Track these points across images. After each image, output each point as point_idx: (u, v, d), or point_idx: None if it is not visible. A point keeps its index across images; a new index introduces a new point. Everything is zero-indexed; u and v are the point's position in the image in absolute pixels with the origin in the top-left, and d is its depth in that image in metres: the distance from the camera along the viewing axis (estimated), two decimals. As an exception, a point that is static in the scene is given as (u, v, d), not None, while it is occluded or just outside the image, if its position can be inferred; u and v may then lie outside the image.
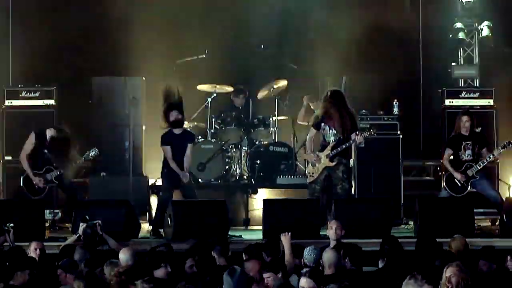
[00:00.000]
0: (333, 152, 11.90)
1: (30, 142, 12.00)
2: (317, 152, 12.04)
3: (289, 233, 9.15)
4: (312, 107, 14.56)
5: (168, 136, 12.23)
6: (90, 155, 12.16)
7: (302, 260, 8.83)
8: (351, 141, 11.92)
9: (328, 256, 8.40)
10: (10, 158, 12.75)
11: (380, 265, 8.77)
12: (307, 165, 12.34)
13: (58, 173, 11.97)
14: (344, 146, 11.90)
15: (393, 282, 7.75)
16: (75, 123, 13.85)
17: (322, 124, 12.00)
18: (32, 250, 9.22)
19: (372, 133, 11.96)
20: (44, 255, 9.29)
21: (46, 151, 11.99)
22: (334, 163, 11.89)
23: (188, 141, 12.31)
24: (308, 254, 8.73)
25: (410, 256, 8.94)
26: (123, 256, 8.58)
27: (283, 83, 14.33)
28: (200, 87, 14.23)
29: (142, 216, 12.53)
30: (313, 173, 12.05)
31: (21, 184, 11.91)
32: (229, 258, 9.05)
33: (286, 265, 8.61)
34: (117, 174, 13.37)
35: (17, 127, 13.16)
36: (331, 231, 9.83)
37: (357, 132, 11.82)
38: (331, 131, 11.97)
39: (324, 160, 11.94)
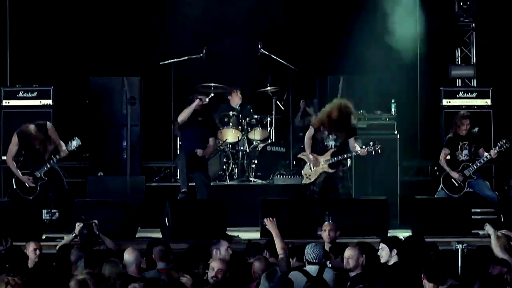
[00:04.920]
0: (333, 159, 11.88)
1: (14, 144, 11.92)
2: (315, 155, 12.00)
3: (274, 218, 9.05)
4: (308, 111, 14.60)
5: None
6: (72, 145, 11.73)
7: (304, 257, 8.74)
8: (354, 153, 11.88)
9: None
10: (8, 158, 12.68)
11: None
12: (304, 166, 12.26)
13: (46, 168, 11.82)
14: (345, 156, 11.87)
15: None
16: (72, 123, 13.92)
17: (322, 128, 11.97)
18: (31, 251, 9.17)
19: (377, 148, 11.87)
20: (41, 255, 9.30)
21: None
22: (333, 170, 11.87)
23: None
24: (310, 250, 8.55)
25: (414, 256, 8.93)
26: (128, 256, 8.53)
27: (277, 88, 14.38)
28: (198, 87, 14.22)
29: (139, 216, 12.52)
30: (310, 175, 12.01)
31: (14, 186, 11.87)
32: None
33: (281, 253, 8.59)
34: (115, 173, 13.38)
35: (15, 127, 13.10)
36: (324, 233, 9.75)
37: (363, 147, 11.79)
38: (330, 135, 11.93)
39: (323, 165, 11.90)
